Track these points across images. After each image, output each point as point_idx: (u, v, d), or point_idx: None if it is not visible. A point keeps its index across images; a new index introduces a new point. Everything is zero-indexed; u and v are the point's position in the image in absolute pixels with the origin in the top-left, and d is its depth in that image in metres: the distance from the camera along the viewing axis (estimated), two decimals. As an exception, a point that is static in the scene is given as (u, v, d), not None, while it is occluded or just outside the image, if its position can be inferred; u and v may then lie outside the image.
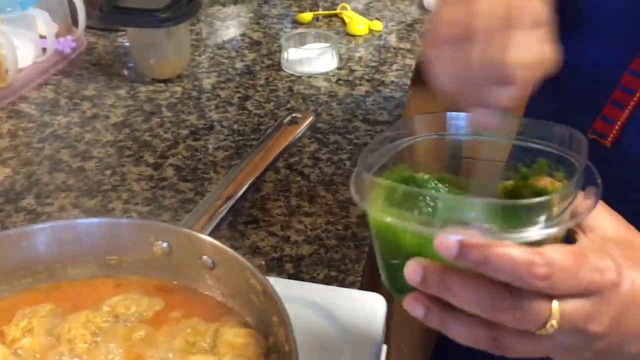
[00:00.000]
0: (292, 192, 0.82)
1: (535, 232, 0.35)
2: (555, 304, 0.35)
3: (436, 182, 0.45)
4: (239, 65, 1.15)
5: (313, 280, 0.68)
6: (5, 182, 0.83)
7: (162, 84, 1.07)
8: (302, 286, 0.65)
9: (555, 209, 0.37)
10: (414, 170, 0.45)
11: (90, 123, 0.97)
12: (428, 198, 0.40)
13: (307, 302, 0.63)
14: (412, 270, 0.37)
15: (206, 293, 0.59)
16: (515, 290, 0.35)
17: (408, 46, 1.23)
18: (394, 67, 1.15)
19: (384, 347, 0.65)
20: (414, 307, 0.38)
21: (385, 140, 0.45)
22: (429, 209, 0.39)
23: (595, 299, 0.36)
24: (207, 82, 1.09)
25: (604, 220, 0.39)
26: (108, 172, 0.86)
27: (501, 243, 0.34)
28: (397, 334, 1.44)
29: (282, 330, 0.50)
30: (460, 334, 0.38)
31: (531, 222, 0.36)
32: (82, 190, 0.82)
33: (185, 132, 0.95)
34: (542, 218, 0.36)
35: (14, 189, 0.82)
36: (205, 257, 0.57)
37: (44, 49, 1.10)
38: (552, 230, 0.36)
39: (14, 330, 0.54)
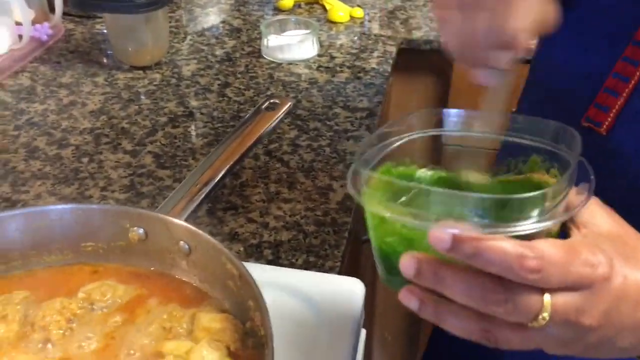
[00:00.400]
0: (271, 178, 0.81)
1: (528, 225, 0.36)
2: (547, 297, 0.36)
3: (433, 176, 0.46)
4: (218, 52, 1.14)
5: (292, 266, 0.68)
6: (-20, 170, 0.82)
7: (140, 71, 1.06)
8: (281, 271, 0.65)
9: (548, 204, 0.37)
10: (410, 165, 0.46)
11: (67, 110, 0.95)
12: (424, 193, 0.40)
13: (285, 287, 0.62)
14: (406, 264, 0.37)
15: (183, 279, 0.58)
16: (507, 283, 0.35)
17: (389, 33, 1.22)
18: (375, 54, 1.15)
19: (363, 332, 0.65)
20: (409, 300, 0.38)
21: (382, 136, 0.45)
22: (425, 203, 0.40)
23: (586, 292, 0.36)
24: (186, 70, 1.08)
25: (598, 215, 0.39)
26: (85, 159, 0.85)
27: (493, 237, 0.35)
28: (381, 323, 1.45)
29: (258, 315, 0.50)
30: (454, 326, 0.38)
31: (524, 217, 0.36)
32: (59, 177, 0.81)
33: (164, 119, 0.94)
34: (535, 212, 0.37)
35: (-11, 177, 0.81)
36: (181, 242, 0.57)
37: (20, 36, 1.08)
38: (545, 224, 0.36)
39: (-13, 318, 0.53)
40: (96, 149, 0.87)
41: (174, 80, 1.04)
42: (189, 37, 1.19)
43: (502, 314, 0.36)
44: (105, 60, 1.10)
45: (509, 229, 0.35)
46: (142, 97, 1.00)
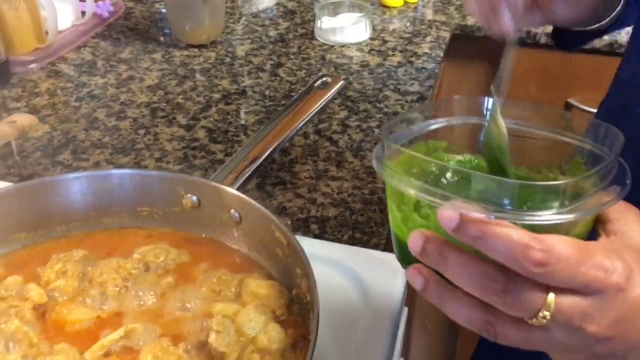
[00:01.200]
0: (320, 156, 0.83)
1: (543, 216, 0.34)
2: (551, 295, 0.34)
3: (460, 161, 0.44)
4: (272, 33, 1.16)
5: (338, 241, 0.69)
6: (43, 137, 0.86)
7: (196, 50, 1.09)
8: (326, 245, 0.66)
9: (569, 198, 0.35)
10: (443, 149, 0.45)
11: (125, 85, 0.99)
12: (442, 170, 0.39)
13: (330, 260, 0.64)
14: (413, 240, 0.36)
15: (233, 246, 0.60)
16: (510, 274, 0.34)
17: (443, 19, 1.22)
18: (428, 39, 1.14)
19: (405, 310, 0.66)
20: (414, 277, 0.38)
21: (414, 117, 0.44)
22: (443, 181, 0.39)
23: (595, 298, 0.34)
24: (240, 49, 1.10)
25: (634, 227, 0.37)
26: (142, 131, 0.88)
27: (502, 222, 0.33)
28: (422, 311, 1.45)
29: (305, 282, 0.51)
30: (456, 312, 0.37)
31: (542, 207, 0.34)
32: (117, 147, 0.84)
33: (217, 96, 0.96)
34: (555, 204, 0.34)
35: (52, 145, 0.85)
36: (232, 211, 0.59)
37: (83, 12, 1.12)
38: (561, 217, 0.34)
39: (49, 273, 0.56)
40: (152, 122, 0.90)
41: (228, 59, 1.07)
42: (243, 18, 1.21)
43: (501, 304, 0.34)
44: (162, 38, 1.13)
45: (520, 218, 0.33)
46: (197, 74, 1.02)
